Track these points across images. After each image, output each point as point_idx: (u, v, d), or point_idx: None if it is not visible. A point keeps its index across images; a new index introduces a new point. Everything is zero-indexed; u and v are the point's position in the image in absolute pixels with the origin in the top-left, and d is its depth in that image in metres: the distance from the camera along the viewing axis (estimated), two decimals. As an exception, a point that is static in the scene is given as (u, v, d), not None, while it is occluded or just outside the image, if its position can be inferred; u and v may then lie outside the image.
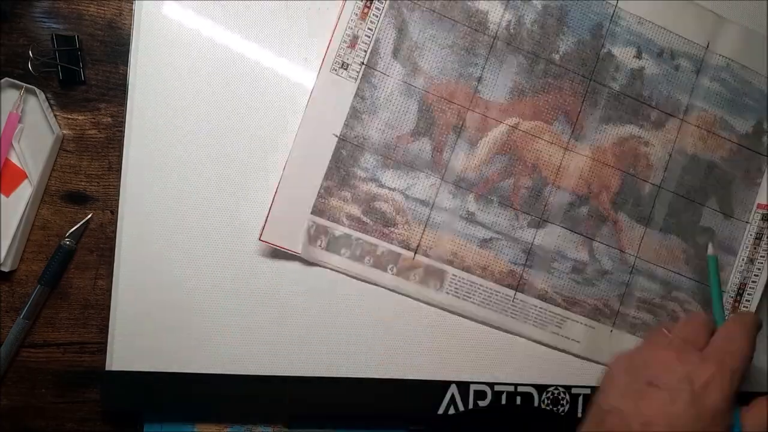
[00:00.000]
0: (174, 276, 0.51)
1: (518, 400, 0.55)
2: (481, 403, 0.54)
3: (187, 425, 0.52)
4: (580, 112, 0.56)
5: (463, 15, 0.54)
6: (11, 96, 0.50)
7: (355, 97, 0.52)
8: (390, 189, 0.53)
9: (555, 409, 0.55)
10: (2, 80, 0.50)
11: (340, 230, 0.52)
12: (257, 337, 0.52)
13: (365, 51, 0.52)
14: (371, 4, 0.52)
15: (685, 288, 0.58)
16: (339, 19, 0.51)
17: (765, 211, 0.58)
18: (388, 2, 0.52)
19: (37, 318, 0.51)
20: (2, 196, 0.50)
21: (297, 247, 0.51)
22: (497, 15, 0.54)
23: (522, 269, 0.55)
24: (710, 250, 0.54)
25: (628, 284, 0.57)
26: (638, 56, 0.57)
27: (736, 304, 0.57)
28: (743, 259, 0.58)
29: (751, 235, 0.58)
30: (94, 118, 0.52)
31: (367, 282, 0.53)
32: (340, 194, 0.52)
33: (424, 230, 0.54)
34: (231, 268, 0.52)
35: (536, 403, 0.55)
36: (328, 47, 0.51)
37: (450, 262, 0.54)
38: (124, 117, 0.51)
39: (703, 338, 0.48)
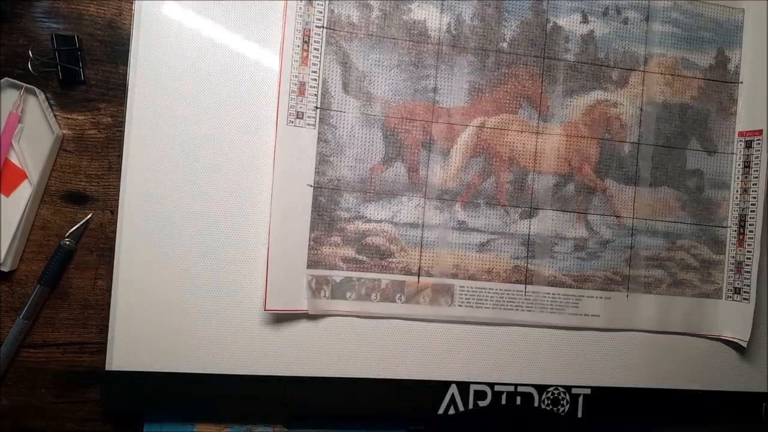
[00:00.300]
0: (174, 276, 0.51)
1: (518, 400, 0.55)
2: (481, 403, 0.54)
3: (187, 425, 0.52)
4: (541, 93, 0.55)
5: (402, 30, 0.53)
6: (11, 96, 0.50)
7: (318, 142, 0.52)
8: (377, 221, 0.53)
9: (555, 409, 0.56)
10: (2, 80, 0.49)
11: (339, 275, 0.52)
12: (257, 338, 0.52)
13: (315, 95, 0.51)
14: (308, 47, 0.51)
15: (688, 234, 0.58)
16: (281, 71, 0.51)
17: (747, 138, 0.58)
18: (324, 40, 0.51)
19: (37, 318, 0.51)
20: (2, 196, 0.50)
21: (302, 304, 0.51)
22: (435, 20, 0.53)
23: (526, 262, 0.55)
24: None
25: (632, 247, 0.57)
26: (585, 21, 0.56)
27: (741, 237, 0.57)
28: (737, 191, 0.58)
29: (739, 165, 0.58)
30: (94, 118, 0.51)
31: (379, 317, 0.53)
32: (330, 240, 0.52)
33: (421, 252, 0.54)
34: (231, 268, 0.51)
35: (536, 403, 0.55)
36: (278, 101, 0.51)
37: (454, 275, 0.54)
38: (124, 117, 0.50)
39: None
